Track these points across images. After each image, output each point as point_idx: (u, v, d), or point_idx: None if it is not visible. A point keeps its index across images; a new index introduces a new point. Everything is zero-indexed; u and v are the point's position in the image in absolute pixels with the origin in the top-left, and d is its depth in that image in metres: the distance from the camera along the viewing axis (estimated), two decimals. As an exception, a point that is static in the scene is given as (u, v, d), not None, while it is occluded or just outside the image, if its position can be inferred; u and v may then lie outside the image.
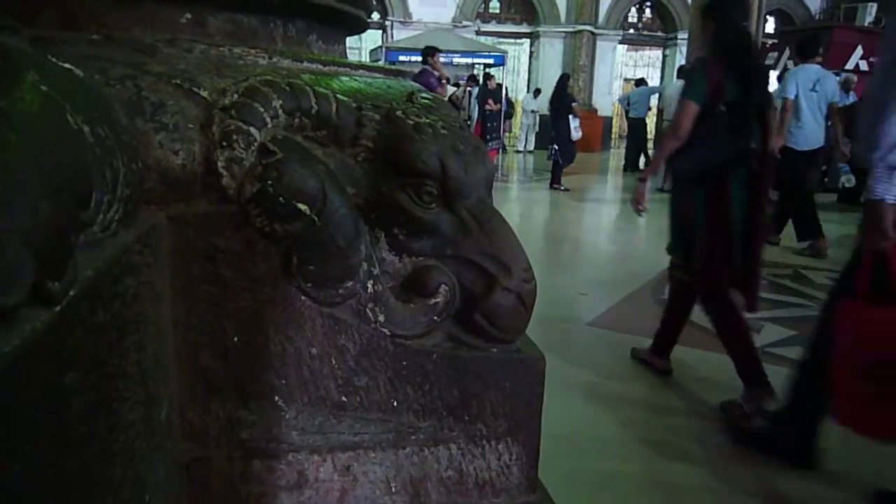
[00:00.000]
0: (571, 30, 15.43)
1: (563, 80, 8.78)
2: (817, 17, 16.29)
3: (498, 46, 15.01)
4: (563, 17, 15.59)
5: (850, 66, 9.71)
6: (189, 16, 0.90)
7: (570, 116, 8.49)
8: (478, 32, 15.52)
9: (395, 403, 0.84)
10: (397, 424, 0.85)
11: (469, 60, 13.79)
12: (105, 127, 0.57)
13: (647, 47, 17.94)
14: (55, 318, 0.40)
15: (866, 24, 11.62)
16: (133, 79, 0.72)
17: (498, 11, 16.36)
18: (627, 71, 17.80)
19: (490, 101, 10.34)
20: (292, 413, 0.81)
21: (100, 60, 0.72)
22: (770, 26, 15.05)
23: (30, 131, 0.43)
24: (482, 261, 0.83)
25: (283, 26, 1.01)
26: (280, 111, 0.77)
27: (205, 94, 0.74)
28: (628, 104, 11.25)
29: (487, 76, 11.20)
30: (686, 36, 12.42)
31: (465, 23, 15.09)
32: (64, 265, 0.42)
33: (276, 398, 0.80)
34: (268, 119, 0.76)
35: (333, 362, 0.81)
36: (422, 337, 0.84)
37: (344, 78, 0.93)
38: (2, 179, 0.37)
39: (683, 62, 9.96)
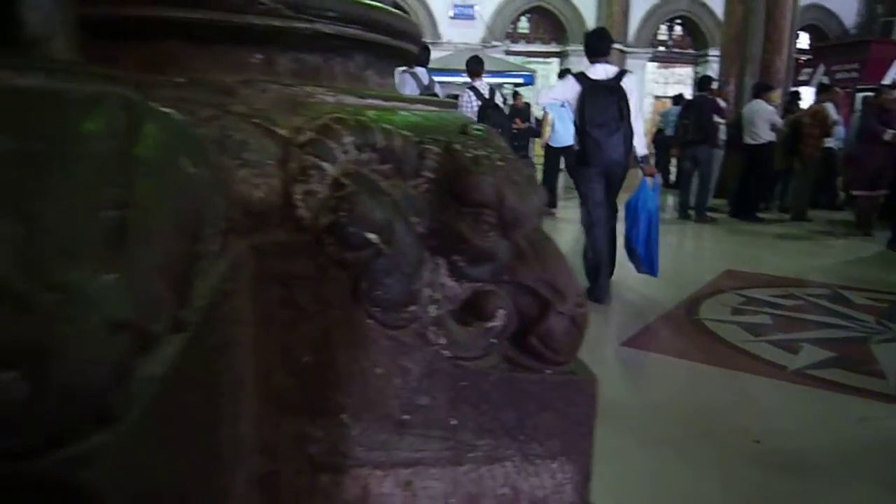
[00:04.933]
0: (601, 48, 15.46)
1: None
2: (851, 31, 16.11)
3: (527, 66, 15.11)
4: (592, 36, 15.64)
5: (887, 80, 9.59)
6: (260, 56, 0.96)
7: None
8: (507, 52, 15.64)
9: (454, 422, 0.88)
10: (456, 443, 0.89)
11: (498, 80, 13.92)
12: (204, 166, 0.62)
13: (678, 64, 17.91)
14: (183, 343, 0.46)
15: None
16: (218, 119, 0.78)
17: (527, 31, 16.48)
18: (658, 88, 17.75)
19: (518, 120, 10.41)
20: (357, 430, 0.86)
21: (188, 102, 0.78)
22: (803, 41, 14.92)
23: (157, 175, 0.49)
24: (537, 286, 0.87)
25: (343, 63, 1.07)
26: (351, 147, 0.82)
27: (282, 132, 0.80)
28: (665, 122, 11.21)
29: (516, 94, 11.29)
30: (717, 53, 12.36)
31: (494, 43, 15.23)
32: (189, 295, 0.48)
33: (343, 416, 0.85)
34: (340, 155, 0.81)
35: (397, 382, 0.85)
36: (480, 359, 0.88)
37: (403, 112, 0.98)
38: (144, 222, 0.43)
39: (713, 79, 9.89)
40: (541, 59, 16.38)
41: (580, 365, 0.94)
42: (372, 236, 0.79)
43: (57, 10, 0.75)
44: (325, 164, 0.80)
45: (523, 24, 16.25)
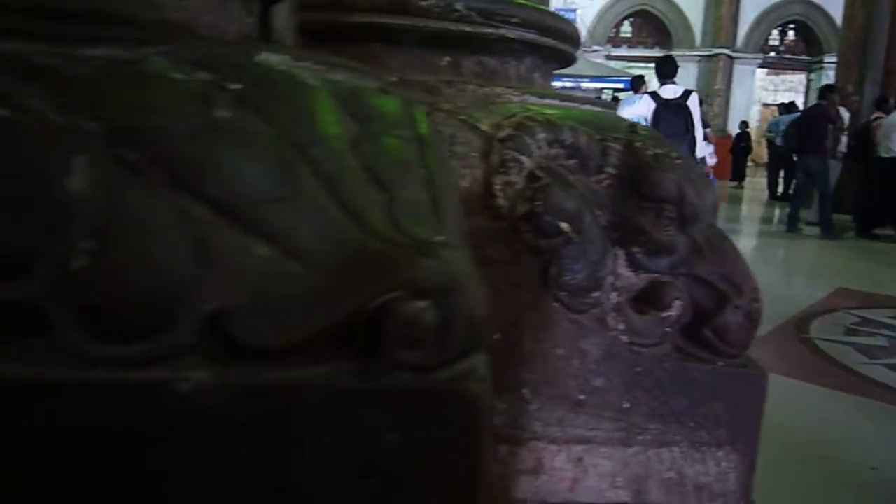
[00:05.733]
0: (707, 53, 15.03)
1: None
2: None
3: (628, 71, 14.86)
4: (698, 41, 15.22)
5: None
6: (448, 59, 1.05)
7: (705, 143, 8.28)
8: (608, 57, 15.44)
9: (626, 405, 0.93)
10: (627, 424, 0.94)
11: (598, 85, 13.78)
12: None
13: (789, 71, 17.12)
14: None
15: None
16: (429, 115, 0.87)
17: (630, 35, 16.21)
18: (767, 96, 17.04)
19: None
20: (536, 406, 0.92)
21: (404, 99, 0.88)
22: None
23: (439, 158, 0.57)
24: (715, 280, 0.91)
25: (516, 66, 1.15)
26: (543, 142, 0.89)
27: (485, 127, 0.88)
28: (775, 131, 10.74)
29: (615, 99, 11.16)
30: (833, 59, 11.75)
31: (594, 47, 15.07)
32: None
33: (524, 391, 0.92)
34: (535, 149, 0.88)
35: (575, 363, 0.91)
36: (654, 346, 0.93)
37: (577, 112, 1.04)
38: (444, 198, 0.51)
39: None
40: (643, 64, 16.08)
41: (750, 359, 0.97)
42: (564, 225, 0.85)
43: (291, 18, 0.87)
44: (523, 158, 0.87)
45: (626, 29, 16.02)
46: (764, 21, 15.78)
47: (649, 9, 15.65)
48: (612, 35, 15.80)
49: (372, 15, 0.96)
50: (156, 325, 0.35)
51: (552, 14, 1.15)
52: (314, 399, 0.36)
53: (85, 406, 0.36)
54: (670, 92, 5.75)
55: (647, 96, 5.90)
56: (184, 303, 0.36)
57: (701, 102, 8.73)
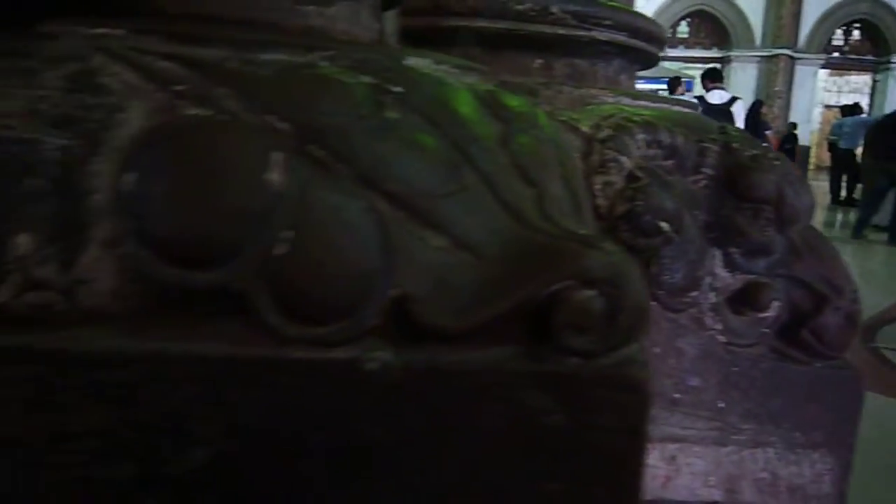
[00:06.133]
0: (767, 54, 14.64)
1: (756, 107, 8.45)
2: None
3: (684, 72, 14.59)
4: (758, 41, 14.84)
5: None
6: (540, 61, 1.07)
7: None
8: (664, 58, 15.19)
9: (721, 405, 0.93)
10: (722, 424, 0.94)
11: (653, 87, 13.57)
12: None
13: (854, 72, 16.55)
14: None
15: None
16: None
17: (686, 36, 15.93)
18: (830, 97, 16.51)
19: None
20: (630, 403, 0.94)
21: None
22: None
23: (569, 161, 0.59)
24: (814, 281, 0.91)
25: (605, 67, 1.16)
26: (642, 143, 0.90)
27: (584, 128, 0.90)
28: (838, 133, 10.36)
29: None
30: (904, 59, 11.31)
31: (650, 48, 14.83)
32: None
33: (618, 389, 0.93)
34: (634, 150, 0.90)
35: (671, 362, 0.92)
36: (751, 347, 0.93)
37: (670, 113, 1.05)
38: (579, 195, 0.53)
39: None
40: (699, 66, 15.76)
41: (845, 361, 0.96)
42: (664, 225, 0.86)
43: (396, 22, 0.91)
44: (622, 158, 0.88)
45: (682, 29, 15.73)
46: (828, 20, 15.28)
47: (707, 8, 15.33)
48: (668, 35, 15.55)
49: (470, 19, 0.99)
50: (346, 308, 0.39)
51: (643, 16, 1.16)
52: (487, 380, 0.39)
53: (280, 382, 0.39)
54: (717, 97, 6.12)
55: (695, 100, 6.13)
56: (371, 288, 0.39)
57: (761, 105, 8.56)
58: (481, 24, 1.00)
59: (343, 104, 0.43)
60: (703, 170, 0.94)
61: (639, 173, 0.88)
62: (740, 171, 0.92)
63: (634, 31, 1.14)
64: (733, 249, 0.93)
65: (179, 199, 0.38)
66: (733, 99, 6.24)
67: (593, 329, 0.38)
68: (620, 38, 1.11)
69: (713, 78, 6.59)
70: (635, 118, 0.92)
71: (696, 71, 15.64)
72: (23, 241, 0.38)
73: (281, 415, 0.39)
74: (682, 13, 15.66)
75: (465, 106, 0.50)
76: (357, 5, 0.64)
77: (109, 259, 0.39)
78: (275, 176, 0.39)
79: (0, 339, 0.39)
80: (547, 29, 1.02)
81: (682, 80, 8.48)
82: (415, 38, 1.00)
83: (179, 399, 0.39)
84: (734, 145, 0.94)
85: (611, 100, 1.01)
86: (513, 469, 0.40)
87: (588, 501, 0.40)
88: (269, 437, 0.40)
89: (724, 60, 15.35)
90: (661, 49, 1.31)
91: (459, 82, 0.54)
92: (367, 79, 0.46)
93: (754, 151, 0.94)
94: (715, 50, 15.61)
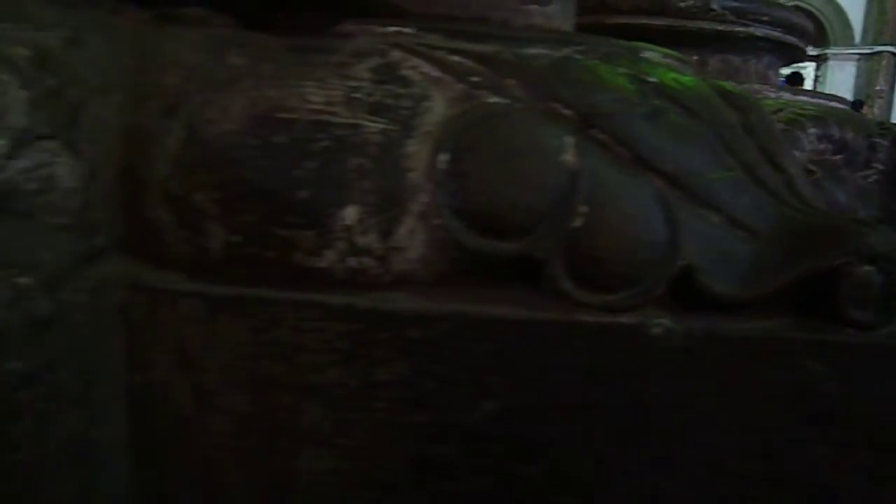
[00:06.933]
0: (868, 51, 13.85)
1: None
2: None
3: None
4: (857, 38, 14.10)
5: None
6: (695, 57, 1.09)
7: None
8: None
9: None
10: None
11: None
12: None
13: (965, 69, 15.48)
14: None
15: None
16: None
17: (779, 34, 15.31)
18: (937, 96, 15.49)
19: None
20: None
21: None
22: None
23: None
24: None
25: (756, 63, 1.16)
26: (814, 138, 0.91)
27: (755, 122, 0.91)
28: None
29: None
30: None
31: (740, 47, 14.35)
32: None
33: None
34: (806, 144, 0.90)
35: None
36: None
37: (832, 109, 1.04)
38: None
39: None
40: (795, 64, 15.11)
41: None
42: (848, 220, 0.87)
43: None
44: (795, 152, 0.89)
45: (775, 27, 15.16)
46: (936, 14, 14.36)
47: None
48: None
49: (634, 16, 1.02)
50: (635, 277, 0.42)
51: (796, 12, 1.16)
52: (767, 347, 0.42)
53: (569, 343, 0.43)
54: None
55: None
56: (659, 258, 0.42)
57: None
58: (643, 20, 1.02)
59: (615, 92, 0.47)
60: (874, 165, 0.94)
61: (812, 167, 0.89)
62: (916, 166, 0.91)
63: (789, 27, 1.14)
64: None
65: (489, 177, 0.43)
66: None
67: (872, 302, 0.41)
68: (776, 34, 1.11)
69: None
70: (806, 112, 0.93)
71: (789, 69, 15.00)
72: (350, 213, 0.44)
73: (567, 373, 0.43)
74: (776, 10, 15.05)
75: (708, 94, 0.53)
76: (566, 3, 0.68)
77: (422, 229, 0.44)
78: (569, 157, 0.43)
79: (325, 298, 0.44)
80: (706, 25, 1.04)
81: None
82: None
83: (475, 356, 0.44)
84: (907, 140, 0.93)
85: (773, 95, 1.02)
86: (784, 432, 0.43)
87: (853, 466, 0.43)
88: (554, 393, 0.44)
89: (820, 58, 14.65)
90: (808, 44, 1.30)
91: (690, 72, 0.57)
92: (623, 70, 0.50)
93: (928, 146, 0.93)
94: (811, 48, 14.92)
